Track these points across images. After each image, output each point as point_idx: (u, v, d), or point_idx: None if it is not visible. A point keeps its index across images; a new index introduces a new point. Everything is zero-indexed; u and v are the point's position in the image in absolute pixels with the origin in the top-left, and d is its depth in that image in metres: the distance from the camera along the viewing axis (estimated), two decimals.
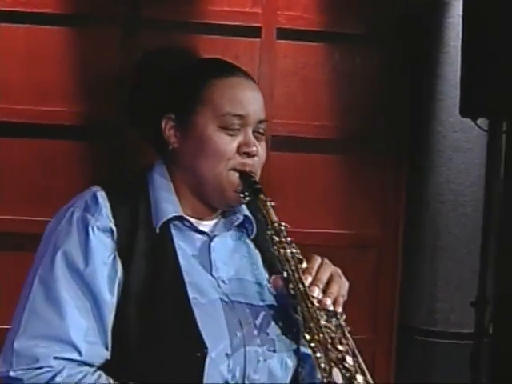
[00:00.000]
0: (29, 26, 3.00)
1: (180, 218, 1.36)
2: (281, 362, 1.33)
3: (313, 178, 3.12)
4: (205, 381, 1.23)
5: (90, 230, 1.28)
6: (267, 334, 1.31)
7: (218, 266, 1.37)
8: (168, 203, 1.35)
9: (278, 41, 3.06)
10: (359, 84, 3.13)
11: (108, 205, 1.30)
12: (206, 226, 1.41)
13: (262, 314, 1.35)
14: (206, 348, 1.24)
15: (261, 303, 1.36)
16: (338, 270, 1.33)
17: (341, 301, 1.27)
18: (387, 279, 3.16)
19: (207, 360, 1.23)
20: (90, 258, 1.26)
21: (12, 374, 1.21)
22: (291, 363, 1.34)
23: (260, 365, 1.31)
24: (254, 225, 1.44)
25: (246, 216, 1.44)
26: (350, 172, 3.14)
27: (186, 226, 1.37)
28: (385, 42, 3.16)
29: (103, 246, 1.28)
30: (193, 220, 1.38)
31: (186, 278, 1.30)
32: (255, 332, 1.32)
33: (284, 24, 3.06)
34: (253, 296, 1.36)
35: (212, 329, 1.27)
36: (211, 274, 1.36)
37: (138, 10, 3.02)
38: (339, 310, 1.26)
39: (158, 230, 1.32)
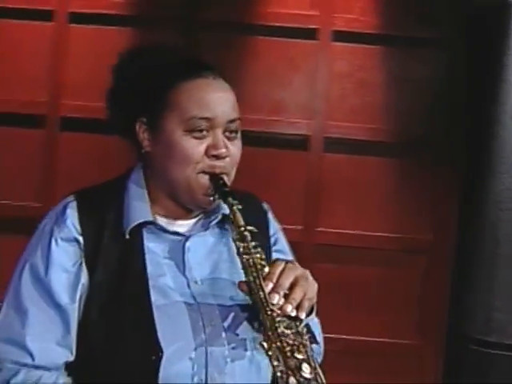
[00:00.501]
0: (96, 26, 3.18)
1: (151, 223, 1.38)
2: (254, 363, 1.33)
3: (365, 180, 3.12)
4: (160, 381, 1.26)
5: (54, 241, 1.34)
6: (237, 334, 1.31)
7: (192, 266, 1.39)
8: (138, 210, 1.38)
9: (334, 43, 3.08)
10: (416, 87, 3.10)
11: (76, 215, 1.35)
12: (183, 226, 1.43)
13: (231, 315, 1.34)
14: (162, 351, 1.27)
15: (233, 303, 1.35)
16: (306, 272, 1.30)
17: (305, 305, 1.25)
18: (437, 285, 3.11)
19: (162, 362, 1.27)
20: (50, 268, 1.32)
21: None
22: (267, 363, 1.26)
23: (228, 366, 1.31)
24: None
25: (224, 215, 1.43)
26: (404, 175, 3.12)
27: (159, 228, 1.40)
28: (445, 44, 3.12)
29: (66, 256, 1.33)
30: (167, 221, 1.41)
31: (151, 282, 1.33)
32: (222, 333, 1.33)
33: (341, 26, 3.08)
34: (225, 296, 1.36)
35: (171, 331, 1.30)
36: (184, 275, 1.38)
37: (197, 12, 3.12)
38: (302, 315, 1.23)
39: (127, 236, 1.35)
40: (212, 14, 3.11)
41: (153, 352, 1.27)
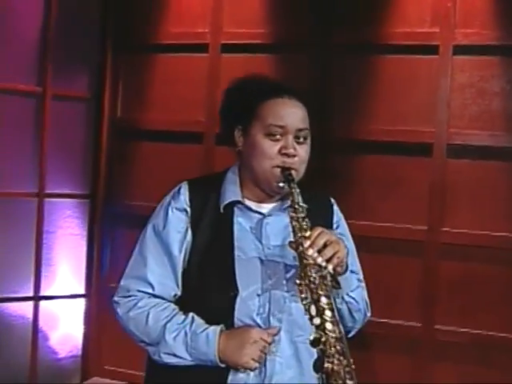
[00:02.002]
0: (244, 55, 3.67)
1: (240, 202, 1.83)
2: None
3: (487, 183, 3.30)
4: (236, 312, 1.74)
5: (170, 209, 1.84)
6: (294, 283, 1.67)
7: (267, 236, 1.81)
8: (231, 192, 1.83)
9: (454, 57, 3.31)
10: None
11: (187, 193, 1.84)
12: (265, 207, 1.85)
13: (292, 271, 1.76)
14: (238, 290, 1.75)
15: (293, 263, 1.74)
16: (337, 239, 1.67)
17: (334, 261, 1.63)
18: None
19: (238, 299, 1.74)
20: (167, 227, 1.83)
21: (115, 298, 1.86)
22: None
23: (286, 305, 1.76)
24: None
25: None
26: None
27: (246, 207, 1.84)
28: None
29: (178, 220, 1.83)
30: (252, 203, 1.84)
31: (236, 243, 1.79)
32: (283, 282, 1.77)
33: (461, 41, 3.30)
34: (289, 258, 1.76)
35: (246, 277, 1.76)
36: (260, 242, 1.81)
37: (330, 36, 3.51)
38: (330, 267, 1.61)
39: (222, 210, 1.82)
40: (340, 37, 3.48)
41: (231, 290, 1.74)
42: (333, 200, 2.00)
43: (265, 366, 1.74)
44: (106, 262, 3.94)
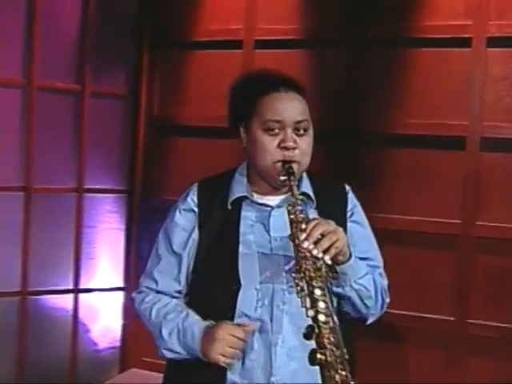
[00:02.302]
0: (277, 50, 3.70)
1: (246, 197, 1.89)
2: None
3: None
4: (238, 304, 1.81)
5: (178, 211, 1.94)
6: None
7: (274, 228, 1.86)
8: (239, 188, 1.90)
9: (488, 49, 3.28)
10: None
11: (196, 193, 1.93)
12: (272, 200, 1.90)
13: (292, 262, 1.76)
14: (240, 283, 1.81)
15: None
16: (337, 229, 1.71)
17: (332, 251, 1.66)
18: None
19: (240, 291, 1.81)
20: (174, 227, 1.92)
21: (132, 294, 2.03)
22: None
23: (286, 297, 1.81)
24: (313, 198, 1.91)
25: (303, 193, 1.88)
26: None
27: (253, 201, 1.90)
28: None
29: (185, 220, 1.92)
30: (260, 196, 1.90)
31: (241, 238, 1.85)
32: (283, 274, 1.82)
33: (494, 33, 3.26)
34: (291, 250, 1.76)
35: (248, 271, 1.82)
36: (268, 233, 1.86)
37: (364, 31, 3.51)
38: (326, 257, 1.65)
39: (229, 207, 1.88)
40: (373, 31, 3.49)
41: (234, 284, 1.82)
42: (348, 187, 2.02)
43: (270, 358, 1.78)
44: (143, 255, 4.00)
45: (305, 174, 1.94)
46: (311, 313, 1.58)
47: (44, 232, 3.75)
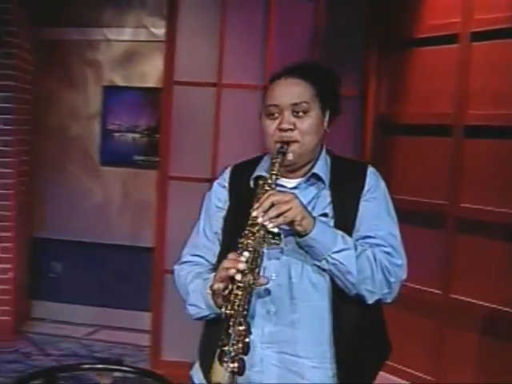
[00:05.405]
0: (493, 41, 3.48)
1: (264, 177, 1.92)
2: (316, 271, 1.87)
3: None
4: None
5: (215, 184, 2.09)
6: (293, 250, 1.86)
7: None
8: (261, 168, 1.99)
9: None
10: None
11: (229, 173, 2.07)
12: (291, 182, 1.97)
13: (289, 237, 1.86)
14: None
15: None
16: (288, 199, 1.77)
17: (279, 220, 1.75)
18: None
19: None
20: (210, 198, 2.08)
21: (174, 266, 2.12)
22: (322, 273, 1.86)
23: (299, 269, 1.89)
24: (324, 179, 1.94)
25: (314, 174, 1.95)
26: None
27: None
28: None
29: (218, 192, 2.06)
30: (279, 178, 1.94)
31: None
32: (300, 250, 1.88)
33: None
34: None
35: None
36: None
37: None
38: (270, 225, 1.74)
39: (252, 185, 1.97)
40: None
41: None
42: (371, 169, 2.00)
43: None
44: None
45: (324, 155, 1.99)
46: (233, 271, 1.71)
47: (180, 217, 4.06)
